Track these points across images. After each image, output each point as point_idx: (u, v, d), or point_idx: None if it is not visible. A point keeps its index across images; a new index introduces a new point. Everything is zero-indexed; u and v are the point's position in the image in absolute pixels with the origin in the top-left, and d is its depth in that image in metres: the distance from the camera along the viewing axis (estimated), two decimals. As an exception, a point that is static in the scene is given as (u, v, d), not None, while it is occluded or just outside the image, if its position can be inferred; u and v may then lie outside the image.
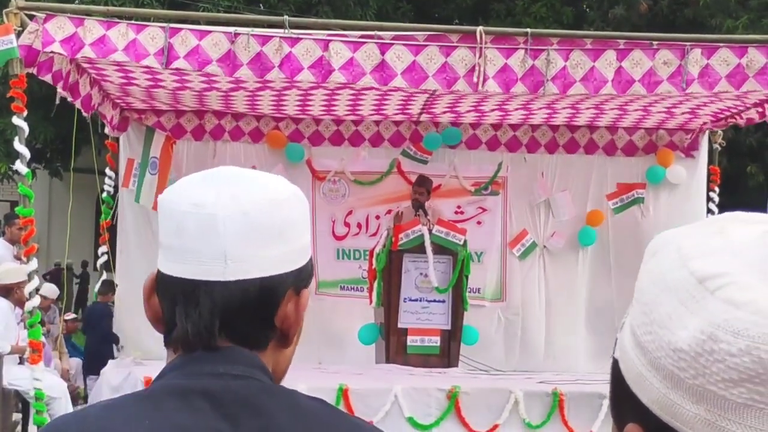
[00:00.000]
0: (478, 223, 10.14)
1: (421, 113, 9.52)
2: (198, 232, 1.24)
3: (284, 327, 1.29)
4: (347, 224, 10.10)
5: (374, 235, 9.75)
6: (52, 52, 6.81)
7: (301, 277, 1.30)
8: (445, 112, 9.36)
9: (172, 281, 1.26)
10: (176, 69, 7.05)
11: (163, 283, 1.28)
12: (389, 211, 9.69)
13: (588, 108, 9.22)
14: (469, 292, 8.92)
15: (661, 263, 0.86)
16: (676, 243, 0.87)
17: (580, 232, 10.14)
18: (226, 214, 1.24)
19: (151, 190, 8.87)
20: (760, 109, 8.91)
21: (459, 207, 10.16)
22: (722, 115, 9.42)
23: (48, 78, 7.21)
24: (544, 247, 10.21)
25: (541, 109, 9.23)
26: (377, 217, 10.01)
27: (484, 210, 10.23)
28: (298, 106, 9.19)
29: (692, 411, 0.81)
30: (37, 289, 7.25)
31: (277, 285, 1.27)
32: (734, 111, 9.12)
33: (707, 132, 10.06)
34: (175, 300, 1.26)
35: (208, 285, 1.24)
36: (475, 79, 6.89)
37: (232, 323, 1.25)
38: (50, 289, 10.78)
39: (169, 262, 1.26)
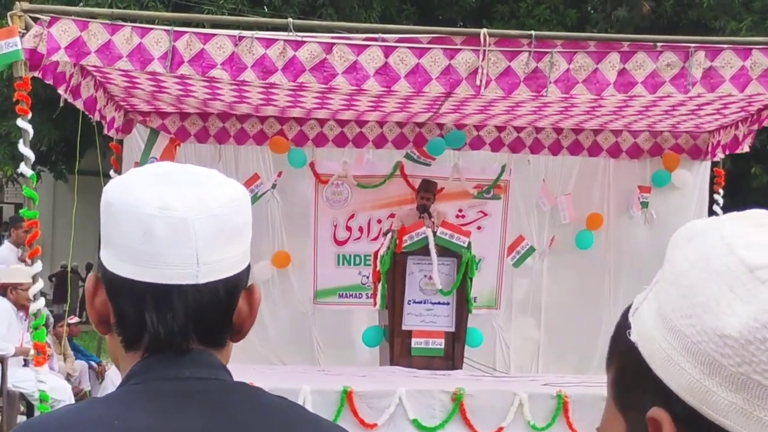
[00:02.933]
0: (479, 228, 10.11)
1: (427, 120, 9.52)
2: (169, 237, 1.23)
3: (238, 322, 1.32)
4: (349, 228, 10.10)
5: (375, 239, 9.74)
6: (58, 60, 6.83)
7: (249, 273, 1.33)
8: (450, 113, 9.36)
9: (137, 285, 1.24)
10: (181, 76, 7.04)
11: (122, 286, 1.26)
12: (392, 215, 9.66)
13: (596, 116, 9.23)
14: None
15: (702, 249, 0.85)
16: (716, 231, 0.86)
17: (577, 236, 10.13)
18: (196, 217, 1.24)
19: None
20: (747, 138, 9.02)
21: (460, 210, 10.15)
22: (727, 121, 9.42)
23: (52, 81, 7.22)
24: (543, 252, 10.20)
25: (550, 116, 9.23)
26: (379, 221, 10.00)
27: (486, 215, 10.22)
28: (303, 108, 9.19)
29: (728, 399, 0.80)
30: (42, 292, 7.26)
31: (238, 283, 1.30)
32: (741, 116, 9.11)
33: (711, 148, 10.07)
34: (143, 305, 1.25)
35: (181, 289, 1.24)
36: (477, 82, 6.89)
37: (202, 325, 1.27)
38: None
39: (134, 266, 1.24)
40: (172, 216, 1.23)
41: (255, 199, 9.37)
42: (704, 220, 0.89)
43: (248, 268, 1.33)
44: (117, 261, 1.26)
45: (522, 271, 10.21)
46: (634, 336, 0.88)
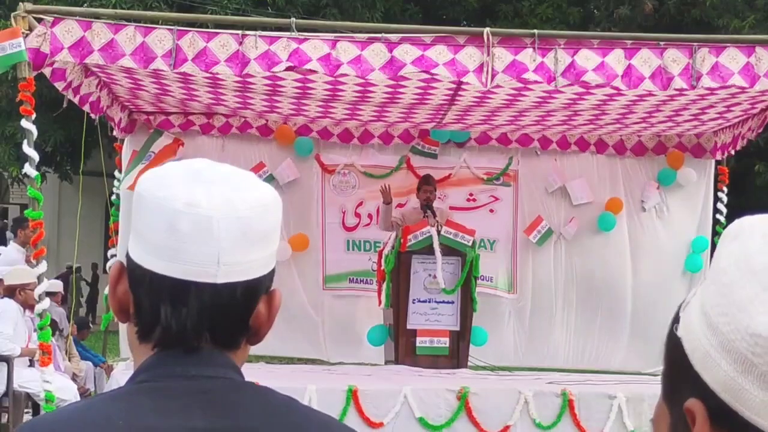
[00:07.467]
0: (491, 211, 10.13)
1: (429, 120, 9.50)
2: (193, 234, 1.24)
3: (255, 326, 1.31)
4: (358, 215, 10.09)
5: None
6: (60, 60, 6.82)
7: (272, 278, 1.33)
8: (453, 123, 9.37)
9: (157, 278, 1.26)
10: (184, 73, 7.03)
11: (143, 277, 1.27)
12: (400, 205, 9.64)
13: (600, 126, 9.23)
14: (482, 280, 8.95)
15: (745, 247, 0.85)
16: (760, 230, 0.85)
17: (599, 218, 10.08)
18: (221, 217, 1.24)
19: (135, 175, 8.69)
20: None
21: (471, 194, 10.15)
22: (728, 124, 9.40)
23: (50, 76, 7.22)
24: (560, 234, 10.15)
25: (554, 125, 9.23)
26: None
27: (497, 199, 10.21)
28: (307, 116, 9.21)
29: (760, 398, 0.80)
30: (46, 292, 7.26)
31: (258, 287, 1.29)
32: (743, 117, 9.08)
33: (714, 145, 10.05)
34: (160, 297, 1.26)
35: (198, 286, 1.25)
36: (483, 78, 6.86)
37: (216, 325, 1.27)
38: (52, 284, 10.76)
39: (157, 258, 1.25)
40: (198, 213, 1.24)
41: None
42: (754, 218, 0.88)
43: (272, 272, 1.32)
44: (141, 252, 1.27)
45: (534, 255, 10.17)
46: (681, 330, 0.88)
